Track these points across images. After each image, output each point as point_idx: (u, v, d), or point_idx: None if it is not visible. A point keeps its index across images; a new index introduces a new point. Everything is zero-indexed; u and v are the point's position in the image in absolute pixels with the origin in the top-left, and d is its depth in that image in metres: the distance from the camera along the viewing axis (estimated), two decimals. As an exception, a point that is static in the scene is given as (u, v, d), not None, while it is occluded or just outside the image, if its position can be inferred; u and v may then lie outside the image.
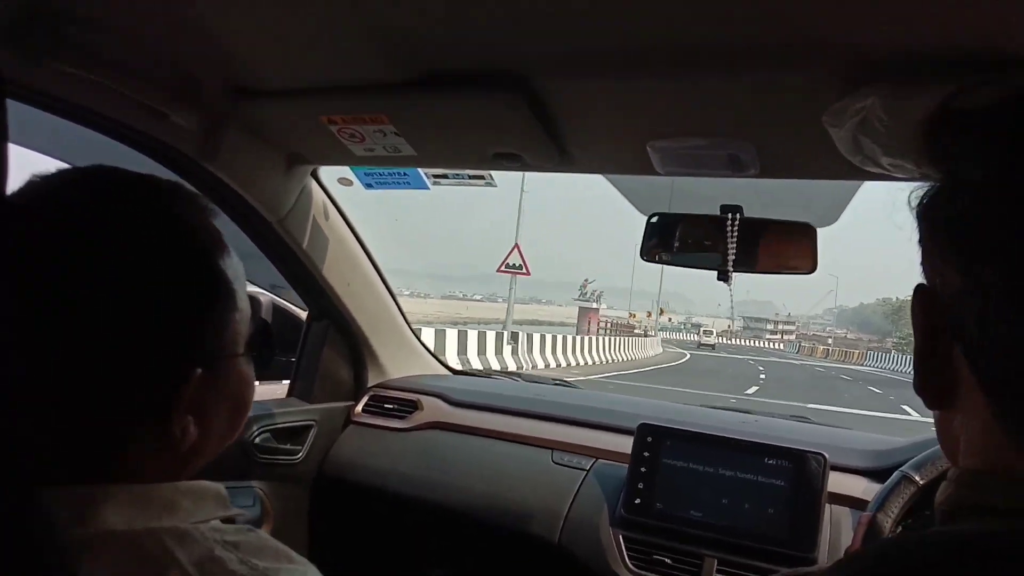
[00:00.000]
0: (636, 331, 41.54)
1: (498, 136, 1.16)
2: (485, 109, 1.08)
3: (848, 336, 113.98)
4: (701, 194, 1.36)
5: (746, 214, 1.31)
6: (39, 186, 0.59)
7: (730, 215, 1.30)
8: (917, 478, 1.20)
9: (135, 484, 0.58)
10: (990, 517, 0.43)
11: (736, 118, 1.01)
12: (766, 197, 1.33)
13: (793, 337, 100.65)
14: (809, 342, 78.85)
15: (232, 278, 0.64)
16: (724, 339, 72.82)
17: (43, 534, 0.48)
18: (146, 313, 0.57)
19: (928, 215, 0.48)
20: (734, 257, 1.30)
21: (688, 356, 36.09)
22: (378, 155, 1.27)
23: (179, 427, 0.59)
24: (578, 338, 21.18)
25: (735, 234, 1.29)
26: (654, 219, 1.36)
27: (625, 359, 23.78)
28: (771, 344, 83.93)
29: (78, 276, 0.55)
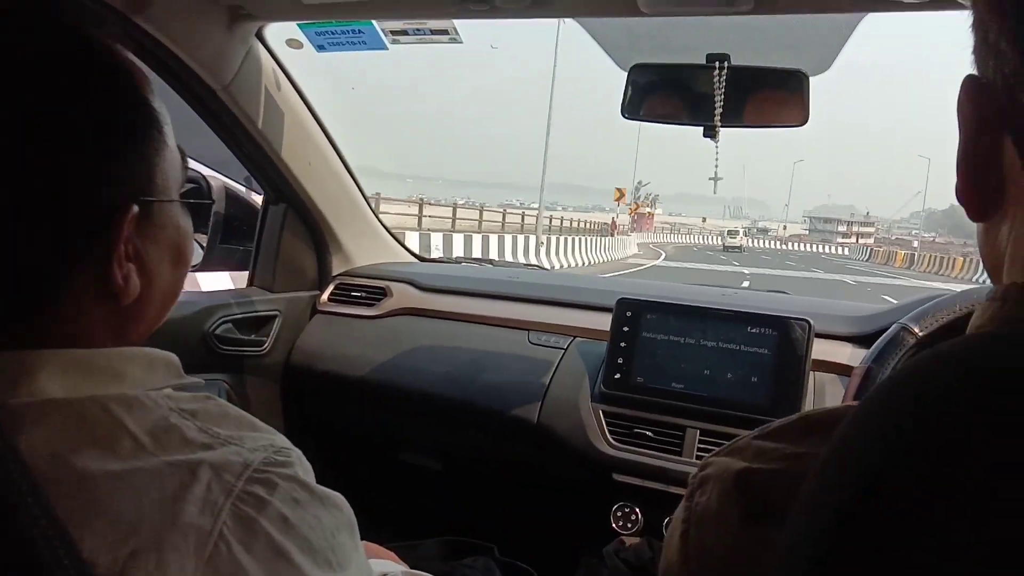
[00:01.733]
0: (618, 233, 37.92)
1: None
2: None
3: (937, 240, 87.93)
4: (685, 43, 1.25)
5: (733, 63, 1.21)
6: None
7: (717, 64, 1.20)
8: (916, 329, 1.16)
9: (75, 349, 0.52)
10: None
11: None
12: (755, 43, 1.23)
13: (871, 241, 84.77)
14: (888, 247, 60.13)
15: (159, 111, 0.58)
16: (793, 244, 65.32)
17: None
18: (67, 141, 0.50)
19: None
20: (722, 111, 1.21)
21: (660, 259, 30.58)
22: (329, 1, 1.13)
23: (121, 273, 0.54)
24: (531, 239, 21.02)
25: (722, 85, 1.20)
26: (636, 72, 1.26)
27: (575, 263, 23.08)
28: (839, 250, 67.93)
29: None
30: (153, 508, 0.46)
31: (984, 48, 0.41)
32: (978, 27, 0.42)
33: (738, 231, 60.41)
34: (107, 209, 0.53)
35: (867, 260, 48.53)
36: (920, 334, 1.15)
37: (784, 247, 61.73)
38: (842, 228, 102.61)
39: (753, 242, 61.31)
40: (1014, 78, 0.38)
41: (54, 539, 0.41)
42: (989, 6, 0.41)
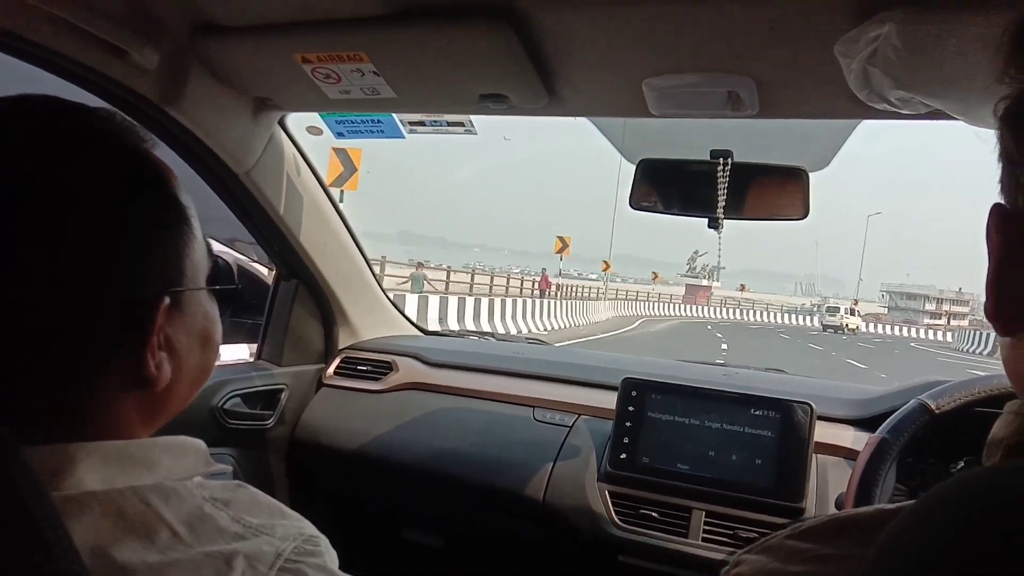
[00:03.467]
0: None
1: (484, 75, 1.09)
2: (471, 44, 1.02)
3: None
4: (690, 140, 1.32)
5: (736, 159, 1.27)
6: None
7: (721, 160, 1.26)
8: (933, 406, 1.18)
9: (110, 441, 0.54)
10: None
11: (738, 51, 0.96)
12: (757, 141, 1.29)
13: (965, 323, 65.94)
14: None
15: (187, 205, 0.61)
16: (870, 325, 53.60)
17: (31, 493, 0.44)
18: (100, 240, 0.53)
19: (1014, 121, 0.44)
20: (724, 203, 1.27)
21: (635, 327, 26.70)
22: (354, 97, 1.19)
23: (154, 362, 0.56)
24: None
25: (726, 179, 1.26)
26: (643, 166, 1.32)
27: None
28: (931, 333, 50.66)
29: (26, 206, 0.51)
30: None
31: (1013, 183, 0.45)
32: (1006, 161, 0.45)
33: (838, 307, 49.19)
34: (141, 303, 0.56)
35: (986, 351, 31.37)
36: (936, 412, 1.18)
37: (856, 330, 46.73)
38: (930, 306, 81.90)
39: (815, 321, 49.53)
40: None
41: None
42: (1017, 138, 0.44)
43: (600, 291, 36.79)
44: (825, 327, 43.44)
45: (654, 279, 39.38)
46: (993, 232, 0.45)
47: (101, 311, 0.54)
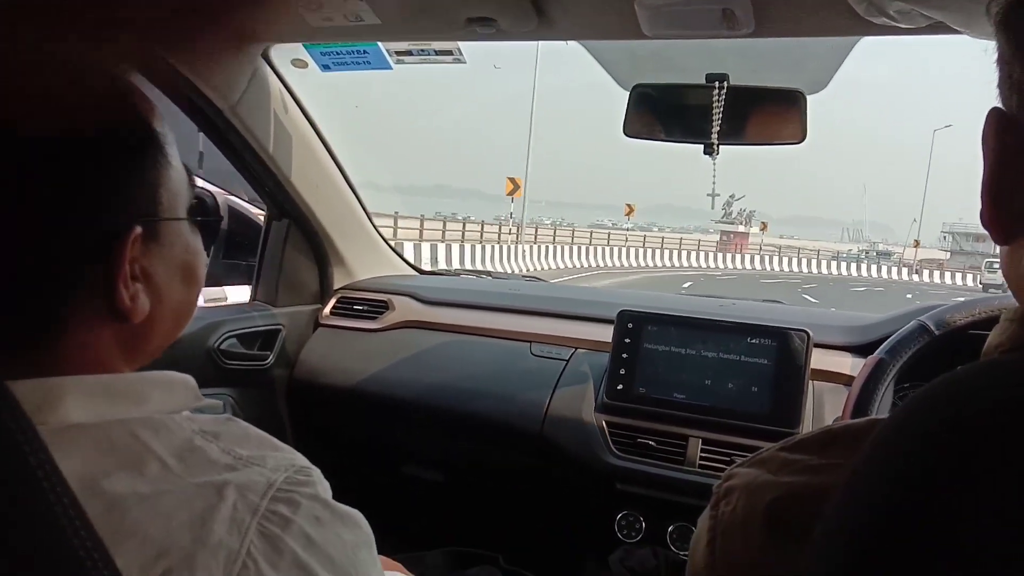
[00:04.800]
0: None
1: (471, -3, 1.06)
2: None
3: None
4: (684, 64, 1.28)
5: (732, 82, 1.24)
6: None
7: (716, 83, 1.23)
8: (933, 327, 1.18)
9: (98, 375, 0.54)
10: None
11: None
12: (753, 63, 1.26)
13: None
14: None
15: (160, 132, 0.59)
16: (928, 274, 41.94)
17: (17, 427, 0.43)
18: (65, 167, 0.52)
19: (1009, 21, 0.42)
20: (720, 128, 1.24)
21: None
22: (337, 25, 1.15)
23: (128, 293, 0.55)
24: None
25: (721, 103, 1.23)
26: (637, 92, 1.29)
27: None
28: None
29: None
30: (182, 529, 0.47)
31: (1008, 84, 0.44)
32: (1002, 63, 0.44)
33: (890, 252, 46.50)
34: (110, 232, 0.54)
35: None
36: (936, 333, 1.17)
37: (913, 277, 40.51)
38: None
39: (865, 270, 41.23)
40: None
41: (98, 559, 0.43)
42: (1013, 47, 0.43)
43: (614, 238, 34.95)
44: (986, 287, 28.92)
45: (627, 213, 35.42)
46: (990, 137, 0.44)
47: (68, 241, 0.53)
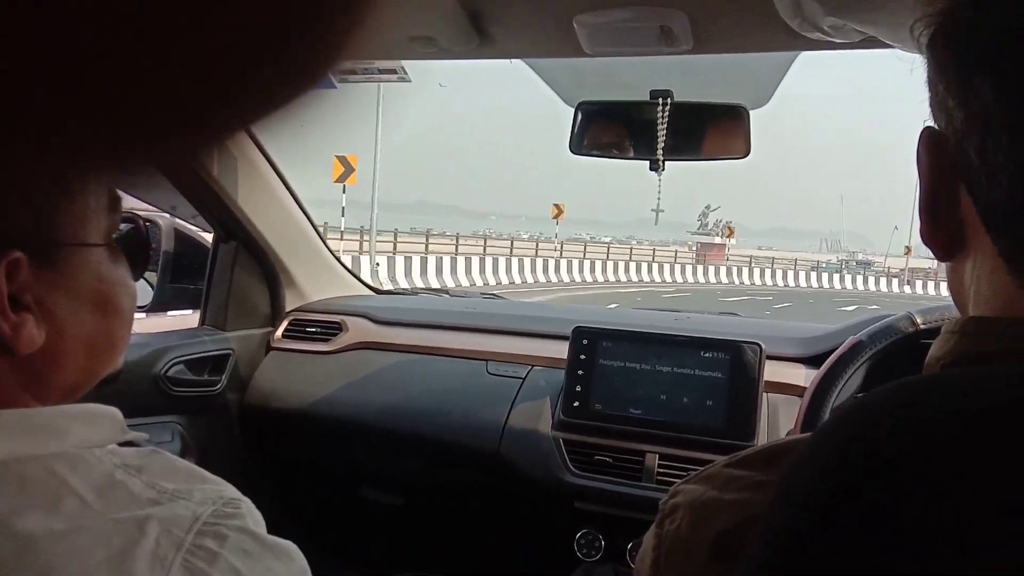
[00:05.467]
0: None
1: (410, 16, 1.05)
2: None
3: None
4: (629, 80, 1.28)
5: (676, 98, 1.25)
6: None
7: (660, 100, 1.23)
8: (919, 320, 1.18)
9: (13, 408, 0.51)
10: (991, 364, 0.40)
11: None
12: (696, 79, 1.27)
13: None
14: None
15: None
16: (918, 284, 38.14)
17: None
18: None
19: (932, 44, 0.43)
20: (665, 144, 1.25)
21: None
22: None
23: (7, 323, 0.50)
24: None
25: (666, 120, 1.23)
26: (582, 109, 1.29)
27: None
28: None
29: None
30: (101, 567, 0.45)
31: (935, 104, 0.44)
32: (930, 83, 0.45)
33: (870, 262, 43.28)
34: None
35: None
36: (922, 326, 1.18)
37: (904, 289, 36.56)
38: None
39: (849, 282, 37.34)
40: (962, 133, 0.41)
41: None
42: (936, 66, 0.44)
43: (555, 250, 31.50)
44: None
45: (555, 215, 30.50)
46: (923, 155, 0.45)
47: None
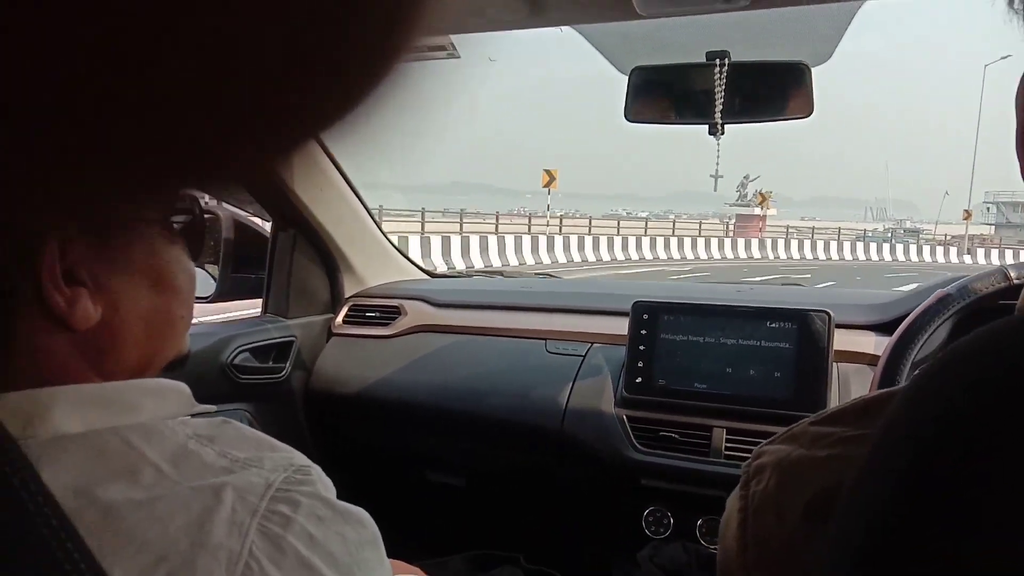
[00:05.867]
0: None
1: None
2: None
3: None
4: (684, 42, 1.24)
5: (734, 59, 1.20)
6: None
7: (717, 61, 1.19)
8: (1013, 274, 1.13)
9: (87, 383, 0.53)
10: None
11: None
12: (754, 38, 1.22)
13: None
14: None
15: None
16: (972, 255, 33.32)
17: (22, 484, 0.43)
18: None
19: None
20: (724, 107, 1.21)
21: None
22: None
23: (62, 298, 0.51)
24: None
25: (723, 82, 1.19)
26: (636, 75, 1.26)
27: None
28: None
29: None
30: (180, 533, 0.46)
31: None
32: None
33: (917, 230, 39.59)
34: (32, 232, 0.50)
35: None
36: (1015, 280, 1.13)
37: (964, 259, 32.47)
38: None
39: (901, 252, 33.10)
40: None
41: (85, 569, 0.42)
42: None
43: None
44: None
45: (546, 184, 25.70)
46: (1020, 93, 0.41)
47: None
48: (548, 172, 25.63)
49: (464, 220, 25.59)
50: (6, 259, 0.51)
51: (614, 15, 1.11)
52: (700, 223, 41.63)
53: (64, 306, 0.52)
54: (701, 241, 28.97)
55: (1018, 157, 0.43)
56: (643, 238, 27.04)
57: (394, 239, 2.10)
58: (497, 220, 26.79)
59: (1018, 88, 0.42)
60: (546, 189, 25.87)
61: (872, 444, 0.36)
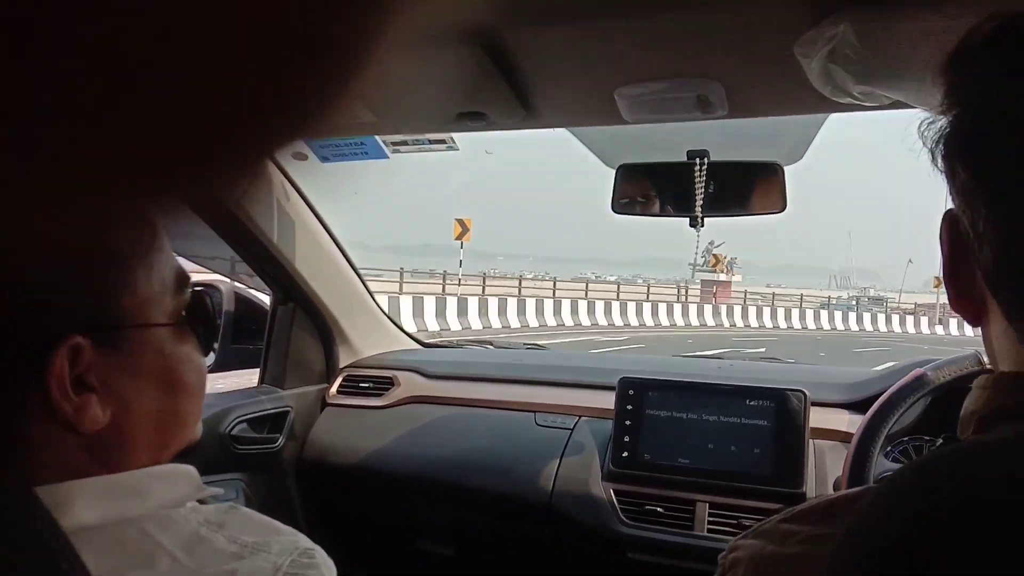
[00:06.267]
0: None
1: (461, 95, 1.12)
2: (446, 66, 1.05)
3: None
4: (667, 142, 1.34)
5: (713, 158, 1.30)
6: None
7: (697, 160, 1.29)
8: (986, 360, 1.21)
9: (106, 476, 0.56)
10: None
11: (703, 56, 0.99)
12: (732, 139, 1.32)
13: None
14: None
15: (135, 240, 0.57)
16: (944, 326, 31.80)
17: (50, 532, 0.46)
18: None
19: (948, 144, 0.49)
20: (703, 202, 1.30)
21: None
22: (335, 122, 1.22)
23: (70, 406, 0.53)
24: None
25: (703, 178, 1.29)
26: (622, 171, 1.35)
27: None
28: None
29: None
30: None
31: (952, 188, 0.49)
32: (946, 171, 0.50)
33: (882, 298, 40.41)
34: (42, 341, 0.52)
35: None
36: (988, 366, 1.20)
37: (936, 331, 31.48)
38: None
39: (860, 322, 32.32)
40: (959, 210, 0.47)
41: None
42: (947, 164, 0.49)
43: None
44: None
45: (458, 235, 24.46)
46: (945, 235, 0.50)
47: None
48: (460, 222, 24.01)
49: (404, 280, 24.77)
50: (17, 369, 0.52)
51: (603, 120, 1.21)
52: (648, 286, 40.15)
53: (72, 413, 0.54)
54: (647, 307, 26.95)
55: (946, 286, 0.51)
56: (580, 301, 25.07)
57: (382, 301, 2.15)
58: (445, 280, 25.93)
59: (940, 226, 0.50)
60: (459, 242, 24.17)
61: (834, 547, 0.42)
